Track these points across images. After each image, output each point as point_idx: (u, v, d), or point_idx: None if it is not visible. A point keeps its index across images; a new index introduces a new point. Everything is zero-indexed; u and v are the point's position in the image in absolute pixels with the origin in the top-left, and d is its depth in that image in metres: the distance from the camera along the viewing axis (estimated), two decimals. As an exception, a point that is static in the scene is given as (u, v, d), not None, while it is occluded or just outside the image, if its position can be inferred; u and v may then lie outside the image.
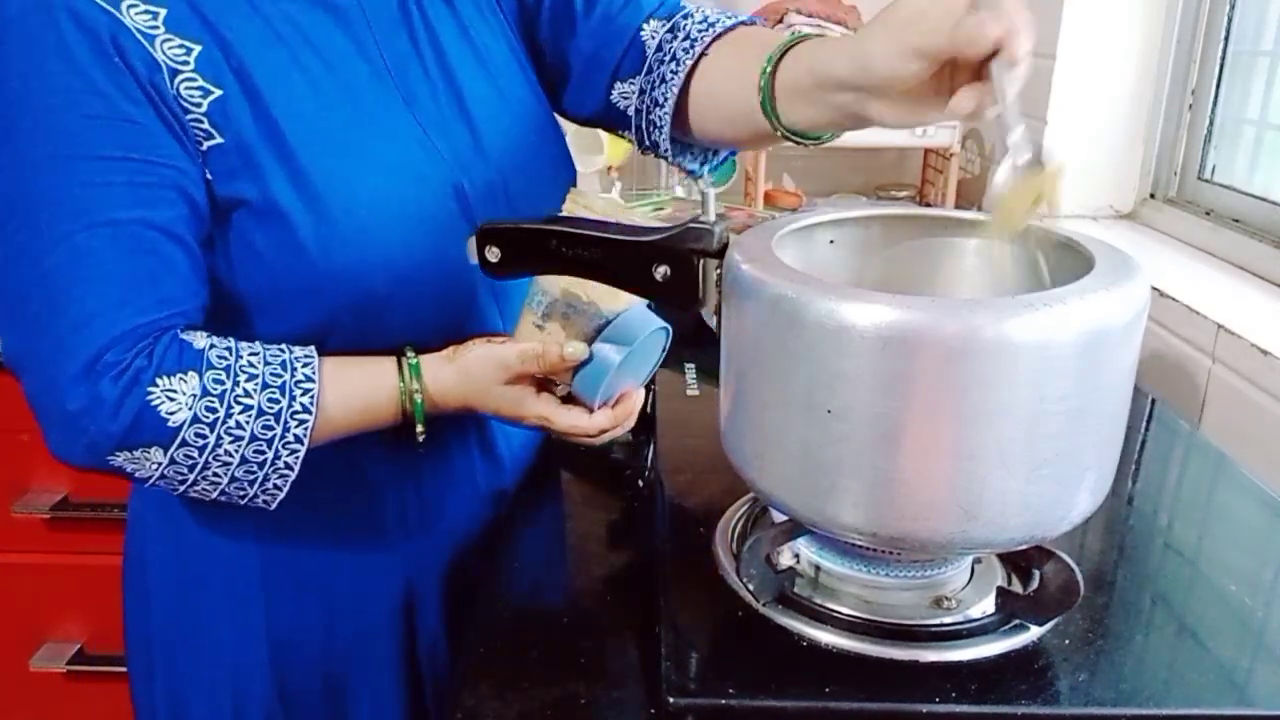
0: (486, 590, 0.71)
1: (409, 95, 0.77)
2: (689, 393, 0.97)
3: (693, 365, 1.02)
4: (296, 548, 0.81)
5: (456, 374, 0.75)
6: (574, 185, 0.86)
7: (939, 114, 0.62)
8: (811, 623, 0.61)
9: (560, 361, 0.73)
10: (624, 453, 0.90)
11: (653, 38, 0.82)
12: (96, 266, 0.64)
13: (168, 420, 0.66)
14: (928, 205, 1.73)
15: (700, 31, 0.81)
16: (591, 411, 0.76)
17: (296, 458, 0.70)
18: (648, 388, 0.99)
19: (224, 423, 0.67)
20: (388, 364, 0.74)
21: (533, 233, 0.69)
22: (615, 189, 1.71)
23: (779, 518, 0.65)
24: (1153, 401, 1.00)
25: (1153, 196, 1.51)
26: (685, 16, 0.83)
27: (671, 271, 0.65)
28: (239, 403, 0.68)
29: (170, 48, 0.65)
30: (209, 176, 0.68)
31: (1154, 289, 1.13)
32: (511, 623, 0.66)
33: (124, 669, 0.89)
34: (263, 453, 0.69)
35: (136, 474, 0.68)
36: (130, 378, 0.65)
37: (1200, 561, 0.72)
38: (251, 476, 0.70)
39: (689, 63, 0.80)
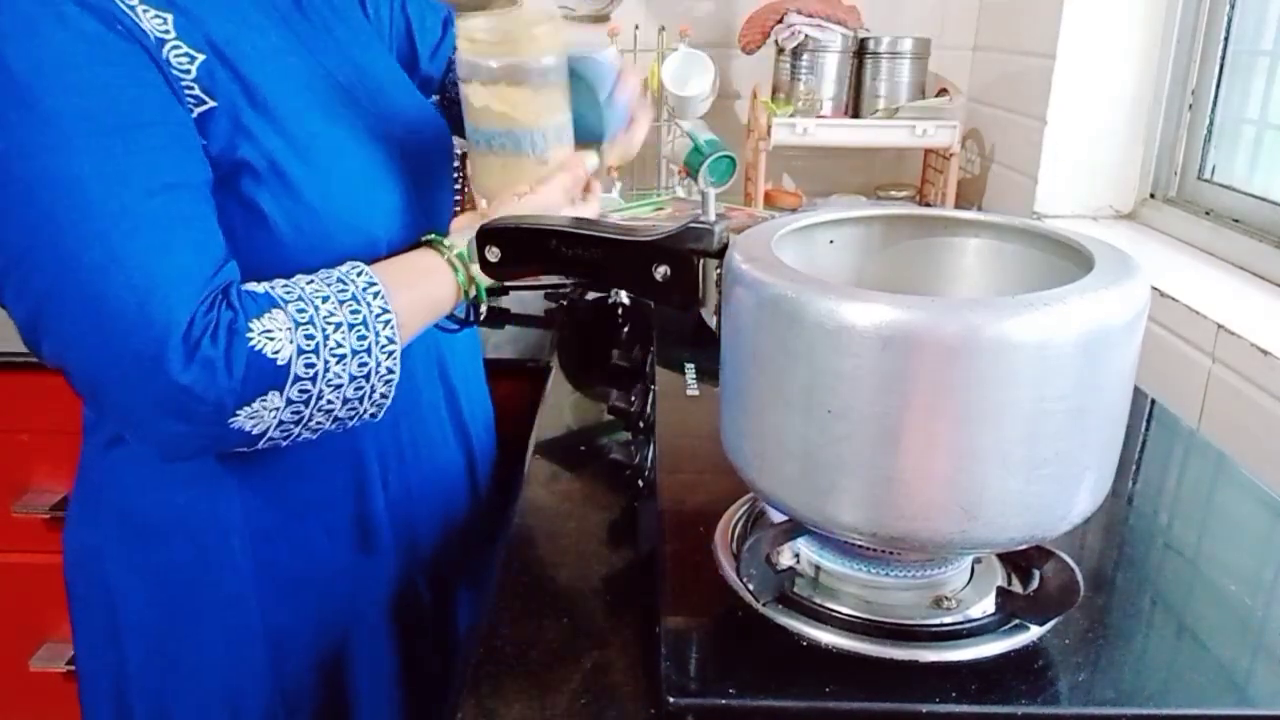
0: (486, 590, 0.71)
1: (316, 53, 0.80)
2: (689, 393, 0.97)
3: (693, 365, 1.02)
4: (286, 538, 0.80)
5: (471, 215, 0.81)
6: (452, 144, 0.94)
7: None
8: (811, 623, 0.61)
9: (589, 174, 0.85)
10: (624, 453, 0.91)
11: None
12: (161, 236, 0.63)
13: (275, 359, 0.65)
14: (928, 205, 1.73)
15: None
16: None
17: (395, 359, 0.71)
18: (647, 388, 1.00)
19: (325, 344, 0.67)
20: (422, 250, 0.78)
21: (532, 233, 0.69)
22: (615, 189, 1.71)
23: (779, 518, 0.65)
24: (1153, 401, 1.00)
25: (1153, 196, 1.51)
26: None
27: (671, 271, 0.65)
28: (329, 322, 0.68)
29: (150, 18, 0.65)
30: (204, 142, 0.68)
31: (1154, 289, 1.13)
32: (512, 623, 0.66)
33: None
34: (365, 364, 0.70)
35: (254, 430, 0.66)
36: (227, 331, 0.64)
37: (1200, 561, 0.72)
38: (360, 392, 0.70)
39: None
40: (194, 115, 0.67)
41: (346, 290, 0.70)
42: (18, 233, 0.62)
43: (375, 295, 0.71)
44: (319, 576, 0.82)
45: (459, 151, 1.10)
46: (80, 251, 0.61)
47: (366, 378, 0.70)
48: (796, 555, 0.66)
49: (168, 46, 0.66)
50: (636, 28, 1.70)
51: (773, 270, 0.56)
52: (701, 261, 0.64)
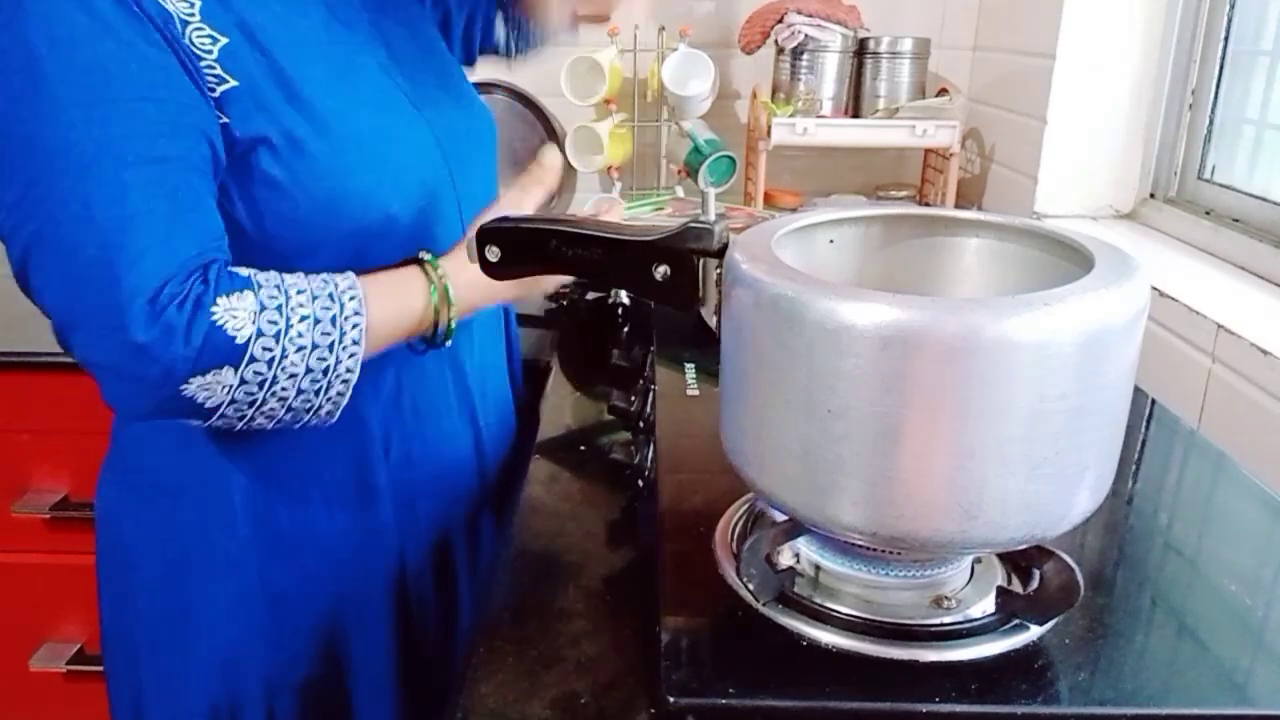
0: (486, 589, 0.71)
1: (360, 39, 0.83)
2: (689, 393, 0.97)
3: (693, 365, 1.02)
4: (285, 503, 0.82)
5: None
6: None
7: None
8: (811, 622, 0.61)
9: (555, 173, 0.89)
10: (624, 453, 0.91)
11: None
12: (144, 202, 0.67)
13: (235, 337, 0.68)
14: (928, 205, 1.73)
15: None
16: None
17: (356, 361, 0.74)
18: (647, 388, 1.00)
19: (286, 334, 0.70)
20: (411, 268, 0.81)
21: (533, 233, 0.69)
22: (615, 189, 1.71)
23: (779, 518, 0.65)
24: (1153, 401, 1.00)
25: (1153, 196, 1.51)
26: None
27: (671, 271, 0.65)
28: (296, 313, 0.71)
29: (176, 3, 0.69)
30: (225, 120, 0.71)
31: (1154, 289, 1.13)
32: (511, 622, 0.66)
33: (124, 669, 0.89)
34: (324, 359, 0.72)
35: (207, 403, 0.69)
36: (194, 302, 0.67)
37: (1200, 561, 0.72)
38: (316, 386, 0.72)
39: None
40: (216, 94, 0.70)
41: (326, 288, 0.73)
42: (17, 182, 0.66)
43: (352, 298, 0.74)
44: (317, 542, 0.84)
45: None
46: (65, 208, 0.66)
47: (324, 373, 0.72)
48: (796, 555, 0.66)
49: (190, 28, 0.69)
50: (636, 28, 1.70)
51: (773, 270, 0.56)
52: (701, 261, 0.64)
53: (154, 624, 0.85)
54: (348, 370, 0.74)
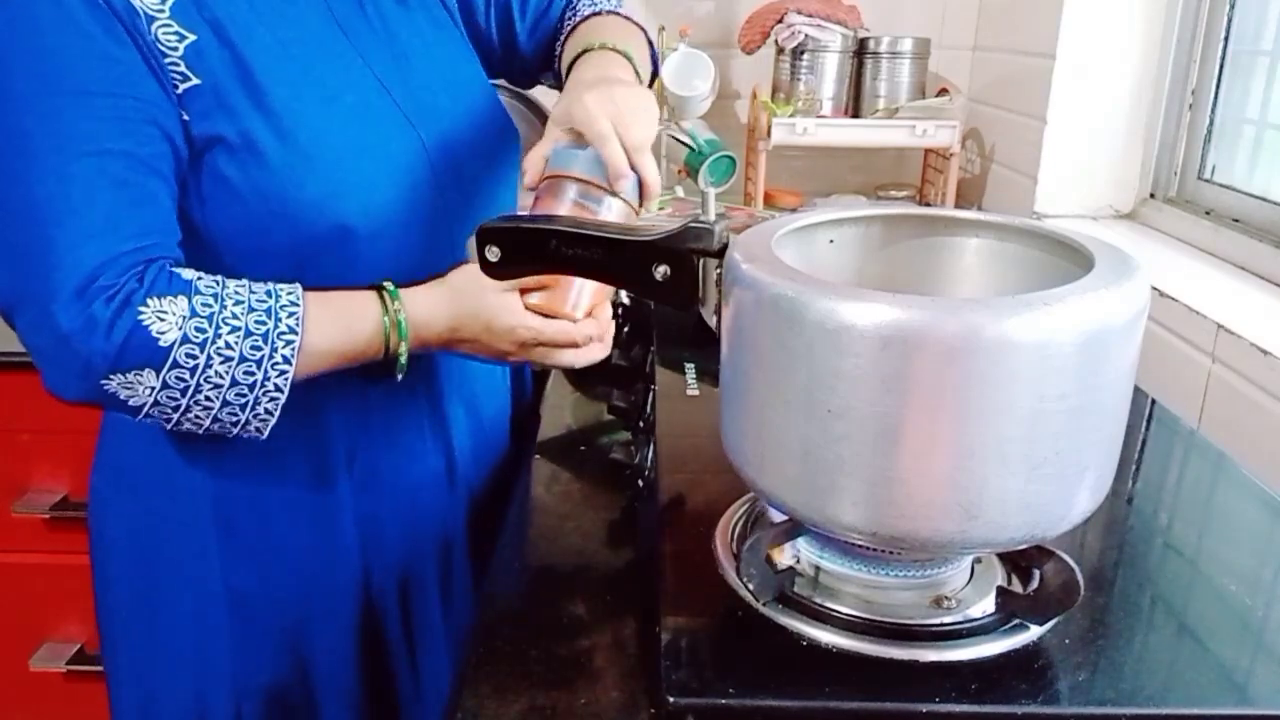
0: (486, 589, 0.71)
1: (362, 49, 0.81)
2: (689, 393, 0.97)
3: (693, 365, 1.02)
4: (246, 507, 0.82)
5: (443, 292, 0.78)
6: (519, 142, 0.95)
7: None
8: (811, 622, 0.61)
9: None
10: (624, 453, 0.90)
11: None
12: (85, 194, 0.67)
13: (158, 340, 0.68)
14: (928, 205, 1.73)
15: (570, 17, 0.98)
16: (575, 322, 0.79)
17: (285, 379, 0.72)
18: (647, 388, 1.00)
19: (213, 343, 0.70)
20: (369, 293, 0.78)
21: (533, 232, 0.69)
22: (615, 189, 1.71)
23: (779, 518, 0.65)
24: (1153, 401, 1.00)
25: (1153, 196, 1.51)
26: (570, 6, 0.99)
27: (671, 271, 0.65)
28: (227, 324, 0.70)
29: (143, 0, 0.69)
30: (186, 117, 0.72)
31: (1154, 289, 1.13)
32: (511, 623, 0.66)
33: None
34: (252, 374, 0.71)
35: (130, 401, 0.69)
36: (122, 299, 0.67)
37: (1200, 561, 0.72)
38: (242, 400, 0.72)
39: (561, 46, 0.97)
40: (179, 91, 0.71)
41: (266, 302, 0.72)
42: None
43: (290, 314, 0.73)
44: (276, 549, 0.84)
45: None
46: (9, 193, 0.67)
47: (251, 388, 0.71)
48: (796, 555, 0.66)
49: (157, 24, 0.70)
50: (636, 28, 1.70)
51: (773, 270, 0.56)
52: (701, 261, 0.64)
53: (126, 610, 0.86)
54: (276, 388, 0.72)
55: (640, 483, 0.86)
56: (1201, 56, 1.41)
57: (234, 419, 0.72)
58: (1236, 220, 1.30)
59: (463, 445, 0.93)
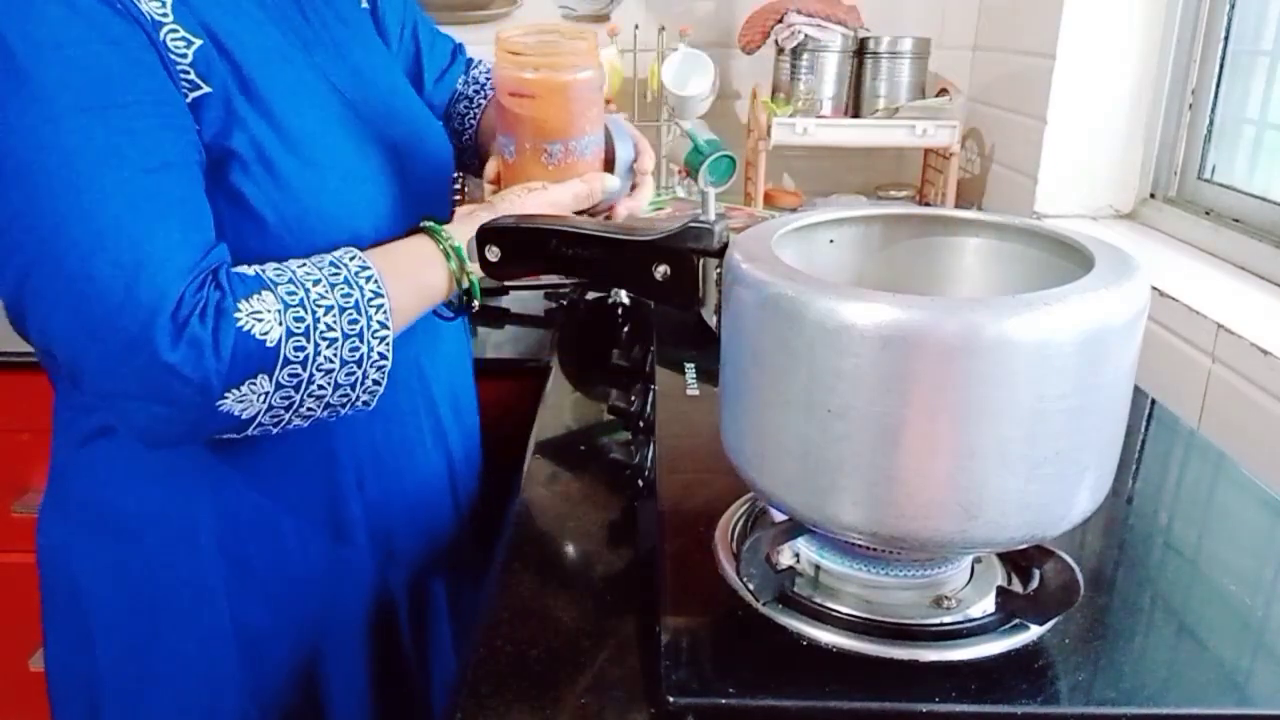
0: (486, 590, 0.71)
1: (320, 64, 0.79)
2: (689, 393, 0.97)
3: (693, 365, 1.02)
4: (255, 537, 0.79)
5: (461, 212, 0.80)
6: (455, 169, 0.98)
7: None
8: (811, 622, 0.61)
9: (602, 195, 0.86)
10: (624, 453, 0.90)
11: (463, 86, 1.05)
12: (155, 212, 0.62)
13: (264, 341, 0.64)
14: (928, 205, 1.73)
15: (479, 87, 1.04)
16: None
17: (387, 344, 0.70)
18: (647, 388, 1.00)
19: (315, 328, 0.66)
20: (417, 236, 0.78)
21: (533, 232, 0.69)
22: (615, 189, 1.71)
23: (779, 517, 0.65)
24: (1153, 401, 1.00)
25: (1153, 196, 1.51)
26: (471, 66, 1.06)
27: (671, 271, 0.65)
28: (320, 305, 0.67)
29: (149, 3, 0.65)
30: (198, 127, 0.67)
31: (1154, 289, 1.13)
32: (511, 623, 0.66)
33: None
34: (357, 349, 0.68)
35: (243, 415, 0.65)
36: (215, 311, 0.63)
37: (1200, 561, 0.72)
38: (352, 378, 0.69)
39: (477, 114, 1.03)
40: (188, 100, 0.66)
41: (339, 274, 0.69)
42: (4, 203, 0.61)
43: (368, 279, 0.70)
44: (290, 578, 0.81)
45: (456, 174, 1.15)
46: (66, 227, 0.60)
47: (359, 363, 0.69)
48: (796, 555, 0.66)
49: (165, 29, 0.65)
50: (636, 27, 1.70)
51: (773, 270, 0.56)
52: (701, 261, 0.64)
53: (117, 667, 0.80)
54: (380, 356, 0.69)
55: (640, 483, 0.86)
56: (1201, 56, 1.41)
57: (345, 399, 0.69)
58: (1236, 220, 1.30)
59: (457, 451, 0.93)
